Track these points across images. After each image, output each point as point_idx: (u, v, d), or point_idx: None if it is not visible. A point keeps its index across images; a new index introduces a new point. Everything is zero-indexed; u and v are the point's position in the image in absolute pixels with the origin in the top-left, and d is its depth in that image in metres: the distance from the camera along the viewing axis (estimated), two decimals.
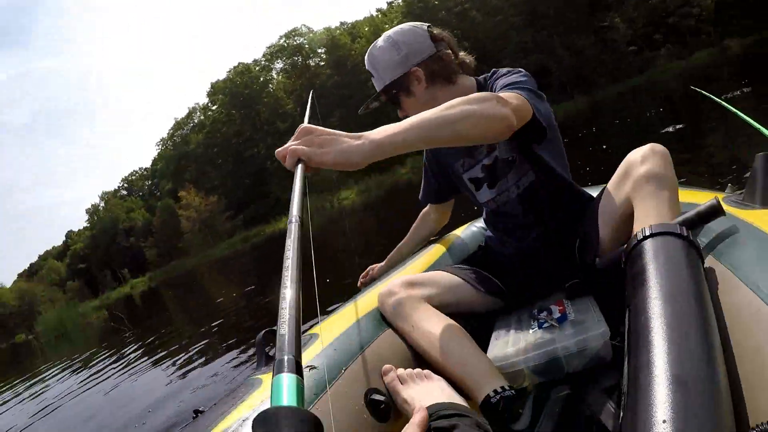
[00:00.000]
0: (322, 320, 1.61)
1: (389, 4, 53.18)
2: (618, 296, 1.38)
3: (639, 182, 1.16)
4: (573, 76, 41.36)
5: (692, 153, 5.15)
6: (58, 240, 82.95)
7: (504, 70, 1.48)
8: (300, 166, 0.96)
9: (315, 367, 1.21)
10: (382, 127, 1.03)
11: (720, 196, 1.25)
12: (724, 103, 1.66)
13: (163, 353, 6.09)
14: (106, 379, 5.93)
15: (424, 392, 1.18)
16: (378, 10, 54.17)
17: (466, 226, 2.19)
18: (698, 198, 1.32)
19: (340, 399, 1.14)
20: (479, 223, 2.14)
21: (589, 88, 40.03)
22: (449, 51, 1.54)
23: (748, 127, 1.39)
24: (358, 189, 34.35)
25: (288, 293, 0.69)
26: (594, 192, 1.60)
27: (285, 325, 0.64)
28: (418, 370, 1.27)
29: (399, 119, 1.10)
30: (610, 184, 1.31)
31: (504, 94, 1.20)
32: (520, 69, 1.45)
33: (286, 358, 0.58)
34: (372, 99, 1.63)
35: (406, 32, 1.52)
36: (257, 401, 1.09)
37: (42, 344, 18.33)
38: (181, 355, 5.47)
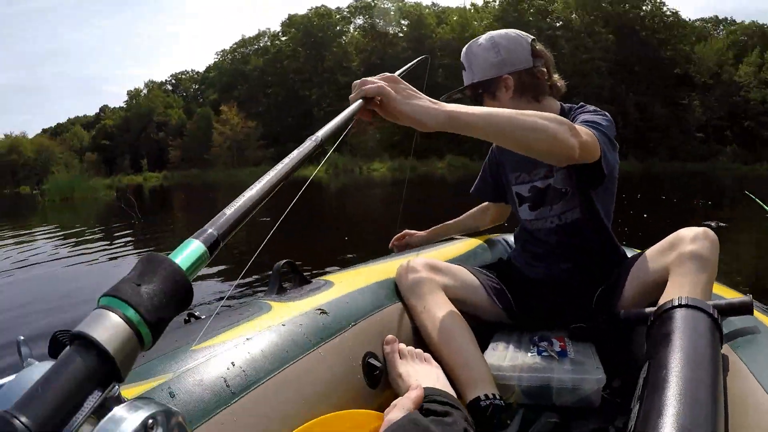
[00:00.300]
0: (337, 271, 1.65)
1: (485, 2, 52.66)
2: (618, 352, 1.47)
3: (683, 257, 1.20)
4: (635, 137, 40.74)
5: (725, 254, 5.04)
6: (91, 111, 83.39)
7: (591, 107, 1.50)
8: (359, 102, 1.01)
9: (326, 312, 1.22)
10: (460, 105, 1.08)
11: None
12: None
13: (163, 249, 6.03)
14: (94, 254, 5.93)
15: (422, 373, 1.20)
16: (472, 5, 53.71)
17: (496, 235, 2.21)
18: (724, 292, 1.40)
19: (340, 351, 1.15)
20: (509, 237, 2.16)
21: (647, 155, 39.47)
22: (544, 69, 1.54)
23: None
24: (390, 165, 34.28)
25: (259, 186, 0.68)
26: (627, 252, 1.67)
27: (232, 208, 0.62)
28: (419, 350, 1.28)
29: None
30: (652, 251, 1.34)
31: (579, 128, 1.24)
32: (606, 113, 1.46)
33: (210, 230, 0.57)
34: (457, 90, 1.64)
35: (510, 38, 1.53)
36: (264, 324, 1.09)
37: (46, 202, 18.29)
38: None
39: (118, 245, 6.65)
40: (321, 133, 0.85)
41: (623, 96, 41.66)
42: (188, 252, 0.52)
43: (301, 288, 1.37)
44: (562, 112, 1.55)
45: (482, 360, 1.32)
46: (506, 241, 2.16)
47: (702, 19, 58.46)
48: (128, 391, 0.78)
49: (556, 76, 1.58)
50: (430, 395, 1.02)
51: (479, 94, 1.58)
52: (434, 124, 1.04)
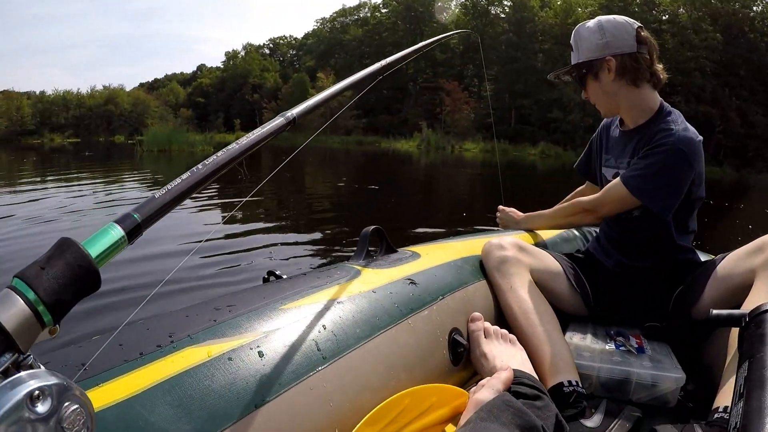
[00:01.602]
0: (422, 243, 1.64)
1: None
2: (694, 355, 1.45)
3: None
4: (734, 145, 39.41)
5: None
6: (189, 69, 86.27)
7: (662, 136, 1.47)
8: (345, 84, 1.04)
9: (415, 283, 1.21)
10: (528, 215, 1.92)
11: None
12: None
13: (260, 212, 6.33)
14: (192, 208, 6.21)
15: (507, 354, 1.19)
16: None
17: (579, 227, 2.21)
18: None
19: (428, 324, 1.14)
20: (589, 230, 2.21)
21: (744, 165, 38.05)
22: (648, 56, 1.54)
23: None
24: (483, 146, 34.57)
25: (203, 169, 0.64)
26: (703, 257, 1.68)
27: (163, 192, 0.60)
28: (504, 331, 1.26)
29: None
30: (735, 254, 1.34)
31: (605, 198, 1.60)
32: (669, 150, 1.44)
33: (134, 216, 0.56)
34: (564, 71, 1.67)
35: (616, 23, 1.53)
36: (355, 289, 1.08)
37: (144, 152, 18.70)
38: (277, 221, 5.63)
39: (226, 198, 7.02)
40: (296, 111, 0.83)
41: (726, 100, 40.17)
42: (102, 239, 0.53)
43: (388, 256, 1.37)
44: (656, 114, 1.56)
45: (566, 346, 1.30)
46: (586, 233, 2.18)
47: None
48: (215, 346, 0.79)
49: (659, 66, 1.57)
50: (518, 377, 0.99)
51: (583, 74, 1.59)
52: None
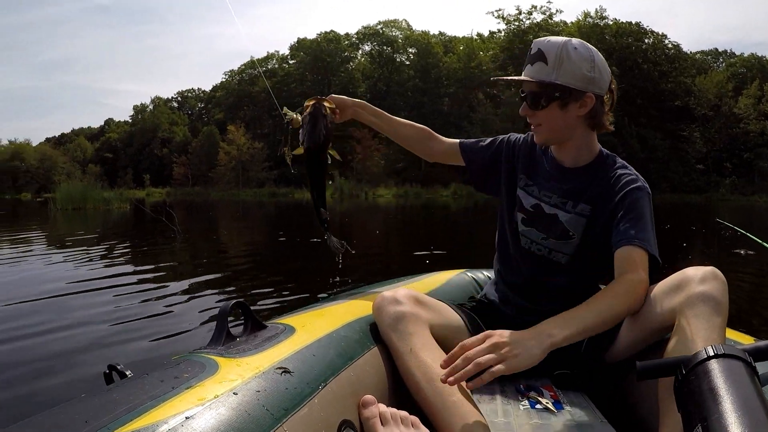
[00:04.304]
0: (298, 311, 1.39)
1: (491, 33, 53.57)
2: (614, 401, 1.38)
3: (693, 300, 1.12)
4: (636, 168, 40.99)
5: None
6: (96, 123, 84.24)
7: (627, 181, 1.42)
8: None
9: (289, 372, 0.99)
10: (554, 320, 1.16)
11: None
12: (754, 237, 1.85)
13: (141, 270, 5.38)
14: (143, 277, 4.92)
15: None
16: (478, 35, 54.60)
17: (465, 270, 2.07)
18: (730, 334, 1.33)
19: (310, 425, 0.92)
20: (479, 274, 2.05)
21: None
22: (609, 104, 1.46)
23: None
24: (396, 191, 34.74)
25: None
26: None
27: None
28: (404, 413, 1.10)
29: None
30: (656, 291, 1.25)
31: (637, 273, 1.27)
32: (643, 189, 1.41)
33: None
34: (521, 80, 1.44)
35: (602, 61, 1.42)
36: (209, 393, 0.85)
37: (57, 210, 17.60)
38: (155, 281, 4.65)
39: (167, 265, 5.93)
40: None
41: (626, 128, 42.34)
42: None
43: (254, 335, 1.13)
44: (600, 158, 1.50)
45: (480, 415, 1.12)
46: (477, 278, 2.01)
47: (702, 52, 59.88)
48: None
49: (611, 114, 1.47)
50: None
51: (550, 96, 1.39)
52: (542, 356, 1.09)
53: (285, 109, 1.49)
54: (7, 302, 3.65)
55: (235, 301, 1.12)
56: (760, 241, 1.88)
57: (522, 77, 1.43)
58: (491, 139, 1.69)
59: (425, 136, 1.72)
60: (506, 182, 1.62)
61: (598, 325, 1.18)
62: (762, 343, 0.98)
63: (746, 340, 1.35)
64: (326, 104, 1.48)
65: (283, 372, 0.97)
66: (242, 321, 1.16)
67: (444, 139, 1.74)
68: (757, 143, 41.94)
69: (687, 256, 6.25)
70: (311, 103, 1.47)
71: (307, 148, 1.44)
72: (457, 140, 1.72)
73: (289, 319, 1.26)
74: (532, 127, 1.48)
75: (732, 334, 1.36)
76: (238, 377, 0.92)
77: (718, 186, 41.13)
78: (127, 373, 0.98)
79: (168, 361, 0.98)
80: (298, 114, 1.48)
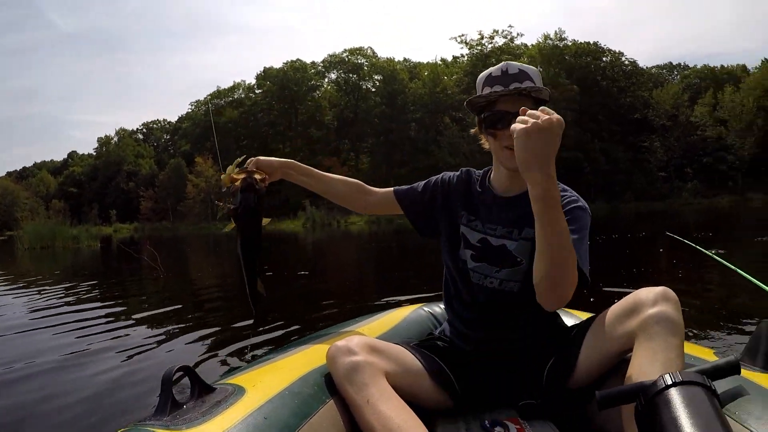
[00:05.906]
0: (246, 369, 1.32)
1: (454, 58, 54.53)
2: (582, 429, 1.35)
3: (648, 323, 1.12)
4: (602, 181, 42.77)
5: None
6: (59, 156, 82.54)
7: (572, 206, 1.40)
8: None
9: None
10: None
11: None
12: (708, 252, 1.95)
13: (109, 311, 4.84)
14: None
15: None
16: (442, 60, 55.58)
17: (421, 305, 2.03)
18: (690, 349, 1.34)
19: None
20: (435, 307, 2.03)
21: (612, 197, 41.46)
22: None
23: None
24: (368, 218, 34.81)
25: None
26: (571, 317, 1.63)
27: None
28: None
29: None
30: (610, 316, 1.25)
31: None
32: (584, 208, 1.42)
33: None
34: (536, 88, 1.41)
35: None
36: None
37: (24, 249, 17.13)
38: (124, 320, 4.30)
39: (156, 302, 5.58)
40: None
41: (589, 143, 43.53)
42: None
43: (201, 400, 1.07)
44: None
45: None
46: (433, 312, 1.98)
47: (657, 66, 62.18)
48: None
49: None
50: None
51: (542, 101, 1.41)
52: (539, 170, 1.11)
53: (226, 171, 1.49)
54: None
55: (179, 366, 1.07)
56: (709, 254, 1.95)
57: (538, 86, 1.42)
58: (425, 181, 1.69)
59: (358, 189, 1.72)
60: (447, 221, 1.60)
61: (556, 232, 1.16)
62: (721, 361, 1.00)
63: (706, 354, 1.36)
64: (256, 176, 1.47)
65: None
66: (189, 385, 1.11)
67: (377, 190, 1.73)
68: (714, 148, 43.84)
69: (641, 268, 6.19)
70: (241, 176, 1.46)
71: (238, 226, 1.44)
72: (391, 189, 1.71)
73: (238, 378, 1.19)
74: (505, 150, 1.40)
75: (691, 349, 1.36)
76: None
77: (680, 191, 42.48)
78: None
79: None
80: (233, 175, 1.47)
